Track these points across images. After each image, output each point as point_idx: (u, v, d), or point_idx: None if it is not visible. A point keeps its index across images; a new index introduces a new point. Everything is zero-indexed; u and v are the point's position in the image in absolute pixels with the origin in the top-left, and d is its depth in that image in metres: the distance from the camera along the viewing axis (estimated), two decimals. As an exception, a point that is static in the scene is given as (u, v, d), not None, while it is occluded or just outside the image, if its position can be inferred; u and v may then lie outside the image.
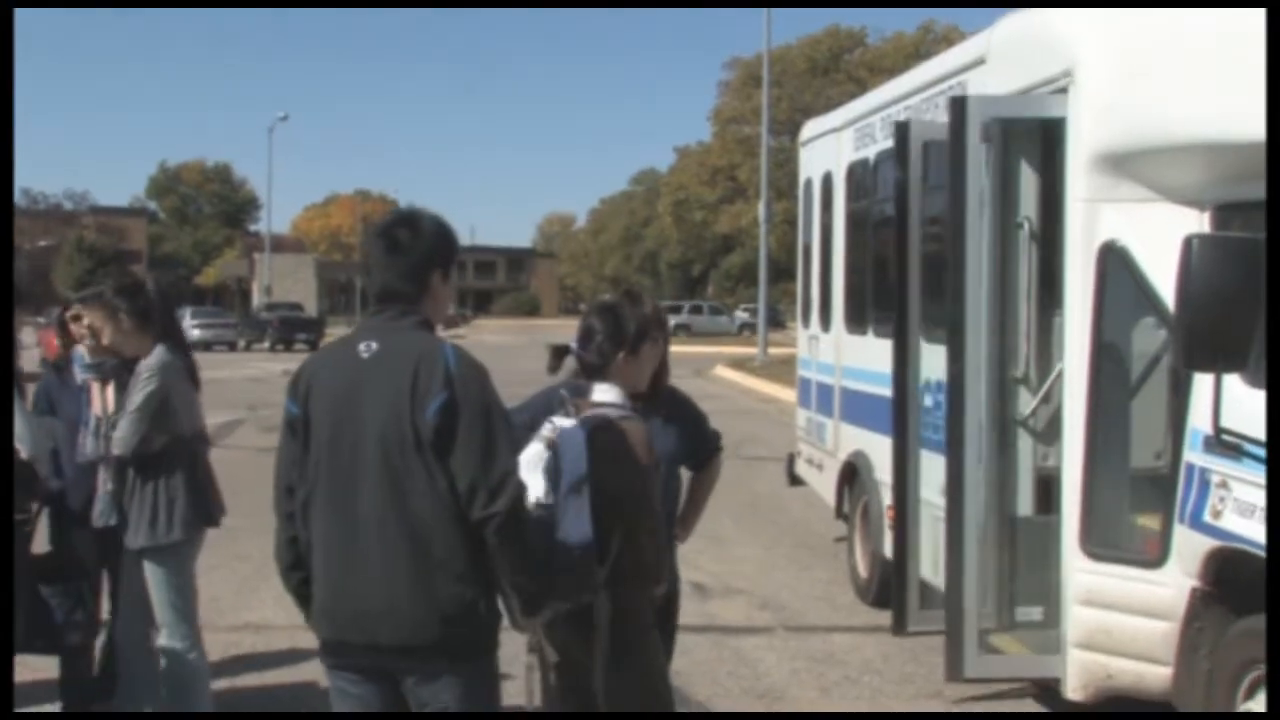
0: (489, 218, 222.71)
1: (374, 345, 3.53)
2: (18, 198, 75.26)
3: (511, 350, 33.19)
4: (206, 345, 45.70)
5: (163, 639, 5.36)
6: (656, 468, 4.22)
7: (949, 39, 50.11)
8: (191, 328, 47.02)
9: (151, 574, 5.28)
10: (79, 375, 5.50)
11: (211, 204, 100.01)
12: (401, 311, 3.57)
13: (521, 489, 3.53)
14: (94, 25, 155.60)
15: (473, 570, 3.45)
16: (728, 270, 77.77)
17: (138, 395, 5.13)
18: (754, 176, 46.08)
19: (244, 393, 25.86)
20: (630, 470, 4.00)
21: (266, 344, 47.56)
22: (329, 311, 68.58)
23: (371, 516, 3.44)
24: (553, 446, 3.92)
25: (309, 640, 6.89)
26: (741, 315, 51.29)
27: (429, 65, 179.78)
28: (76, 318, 5.57)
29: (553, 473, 3.88)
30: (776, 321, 40.24)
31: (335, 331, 57.61)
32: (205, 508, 5.33)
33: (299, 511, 3.60)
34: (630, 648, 4.05)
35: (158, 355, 5.23)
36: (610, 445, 3.97)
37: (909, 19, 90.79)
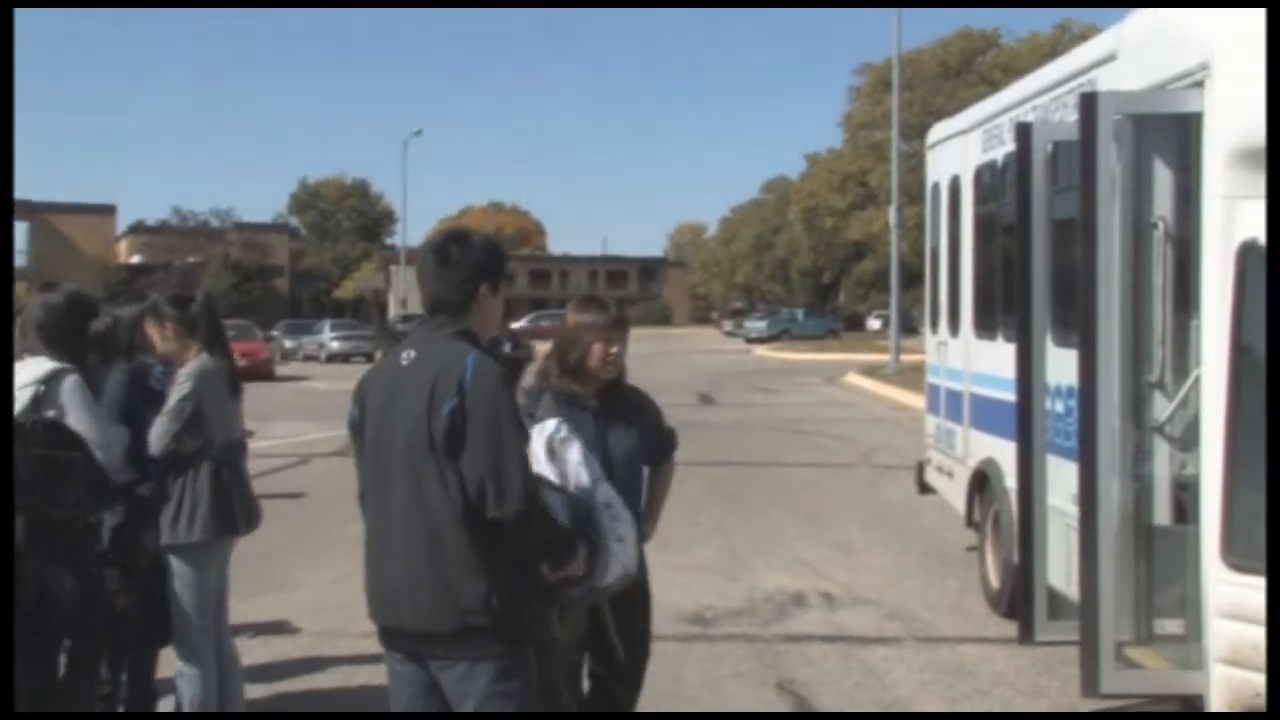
0: (621, 228, 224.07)
1: (413, 354, 3.82)
2: (168, 216, 77.91)
3: (644, 359, 33.19)
4: (345, 357, 46.81)
5: (175, 638, 5.52)
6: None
7: (1086, 38, 48.86)
8: (330, 340, 48.27)
9: (173, 571, 5.47)
10: (158, 382, 5.71)
11: (350, 219, 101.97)
12: (444, 322, 3.84)
13: (532, 490, 3.70)
14: (236, 50, 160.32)
15: (483, 565, 3.66)
16: (860, 277, 77.09)
17: (172, 398, 5.38)
18: (885, 182, 45.51)
19: (380, 403, 26.33)
20: None
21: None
22: (463, 322, 69.47)
23: (398, 514, 3.74)
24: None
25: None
26: None
27: (560, 76, 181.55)
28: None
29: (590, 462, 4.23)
30: (909, 327, 39.76)
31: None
32: (229, 514, 5.47)
33: (360, 506, 3.96)
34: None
35: (197, 362, 5.47)
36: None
37: (1044, 19, 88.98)
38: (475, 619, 3.64)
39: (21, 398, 4.92)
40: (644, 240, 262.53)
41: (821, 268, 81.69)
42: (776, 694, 6.69)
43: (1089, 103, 5.67)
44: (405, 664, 3.83)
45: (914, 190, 39.50)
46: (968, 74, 53.40)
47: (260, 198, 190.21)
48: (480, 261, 3.87)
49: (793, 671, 7.04)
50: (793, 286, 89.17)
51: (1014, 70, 48.96)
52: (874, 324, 70.50)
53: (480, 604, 3.64)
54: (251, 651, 7.45)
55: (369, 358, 47.95)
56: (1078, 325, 5.94)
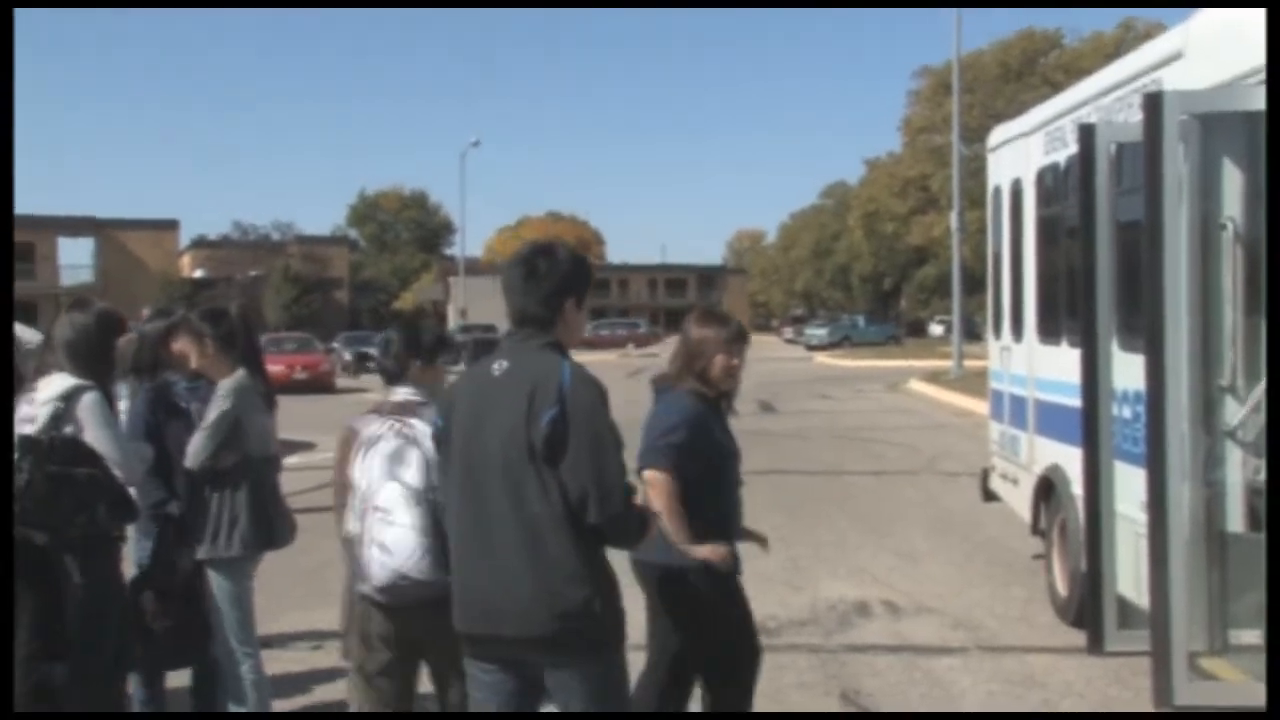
0: (679, 235, 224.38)
1: (505, 364, 3.86)
2: (229, 230, 78.80)
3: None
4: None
5: (218, 645, 5.51)
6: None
7: (1151, 37, 48.16)
8: (391, 351, 48.36)
9: (213, 584, 5.47)
10: (181, 399, 5.71)
11: (409, 230, 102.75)
12: (532, 334, 3.88)
13: (631, 495, 3.79)
14: (294, 63, 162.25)
15: (586, 571, 3.73)
16: (921, 282, 76.44)
17: (212, 413, 5.36)
18: (946, 186, 45.19)
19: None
20: None
21: (462, 365, 48.42)
22: (523, 332, 69.59)
23: (494, 520, 3.76)
24: (415, 443, 4.44)
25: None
26: None
27: (618, 84, 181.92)
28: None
29: (425, 465, 4.38)
30: (972, 333, 39.40)
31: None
32: (267, 528, 5.47)
33: (442, 515, 4.07)
34: None
35: (235, 378, 5.44)
36: None
37: (1107, 18, 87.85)
38: (575, 623, 3.71)
39: (42, 414, 4.97)
40: (703, 248, 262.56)
41: (882, 273, 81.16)
42: (840, 704, 6.60)
43: (1154, 103, 5.56)
44: (493, 674, 3.87)
45: (975, 194, 39.18)
46: (1029, 76, 52.85)
47: (320, 210, 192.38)
48: (567, 275, 3.91)
49: (857, 682, 6.95)
50: (853, 293, 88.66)
51: (1077, 71, 48.33)
52: (936, 330, 69.94)
53: (581, 608, 3.71)
54: (313, 661, 7.47)
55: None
56: (1144, 328, 5.83)
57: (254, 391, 5.48)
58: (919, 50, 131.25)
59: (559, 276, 3.89)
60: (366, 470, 4.49)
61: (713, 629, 4.80)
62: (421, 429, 4.43)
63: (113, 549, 5.13)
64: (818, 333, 66.43)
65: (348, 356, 49.47)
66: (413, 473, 4.40)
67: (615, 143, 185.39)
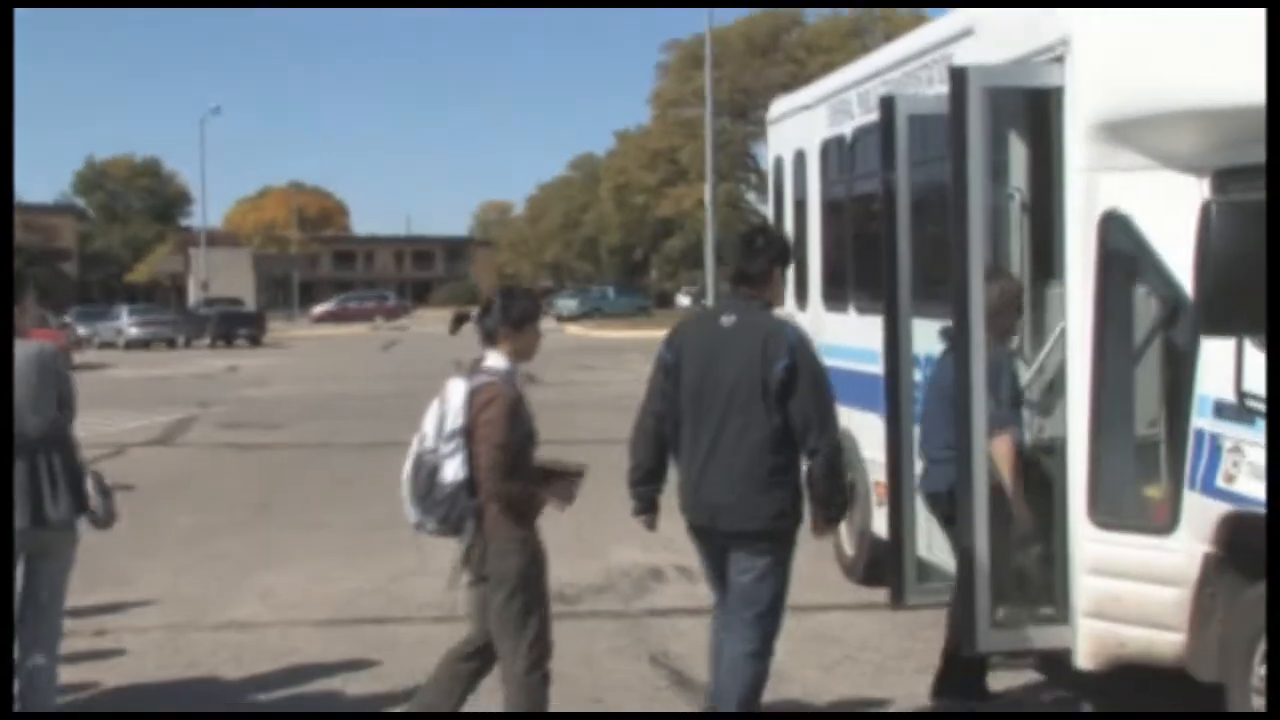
0: (425, 207, 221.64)
1: (733, 318, 5.08)
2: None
3: (461, 340, 32.67)
4: (145, 343, 45.01)
5: None
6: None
7: (886, 19, 50.15)
8: (129, 326, 46.33)
9: None
10: None
11: (141, 199, 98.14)
12: (751, 295, 5.13)
13: (839, 431, 5.01)
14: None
15: (788, 483, 5.01)
16: (668, 254, 77.66)
17: None
18: (695, 160, 45.96)
19: (193, 390, 25.55)
20: (487, 423, 4.80)
21: (207, 340, 46.82)
22: (268, 305, 67.59)
23: (721, 440, 4.99)
24: (442, 401, 4.87)
25: (300, 637, 6.87)
26: None
27: (361, 54, 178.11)
28: None
29: (439, 422, 4.82)
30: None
31: (276, 325, 56.98)
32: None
33: (669, 432, 5.19)
34: (490, 564, 4.93)
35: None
36: (483, 402, 4.83)
37: None
38: (771, 524, 4.97)
39: None
40: (449, 219, 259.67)
41: (631, 245, 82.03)
42: (651, 667, 6.70)
43: (959, 77, 5.75)
44: (710, 557, 5.24)
45: (724, 168, 40.05)
46: (774, 52, 54.10)
47: (42, 177, 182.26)
48: (779, 250, 5.23)
49: (664, 644, 7.07)
50: (602, 265, 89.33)
51: (819, 48, 50.00)
52: (684, 300, 71.24)
53: (778, 512, 4.97)
54: (101, 645, 7.12)
55: (170, 344, 46.16)
56: (951, 298, 5.91)
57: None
58: (668, 24, 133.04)
59: (773, 249, 5.20)
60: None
61: None
62: (454, 388, 4.87)
63: None
64: (568, 304, 66.78)
65: (82, 332, 47.09)
66: (430, 423, 4.86)
67: (359, 112, 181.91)
